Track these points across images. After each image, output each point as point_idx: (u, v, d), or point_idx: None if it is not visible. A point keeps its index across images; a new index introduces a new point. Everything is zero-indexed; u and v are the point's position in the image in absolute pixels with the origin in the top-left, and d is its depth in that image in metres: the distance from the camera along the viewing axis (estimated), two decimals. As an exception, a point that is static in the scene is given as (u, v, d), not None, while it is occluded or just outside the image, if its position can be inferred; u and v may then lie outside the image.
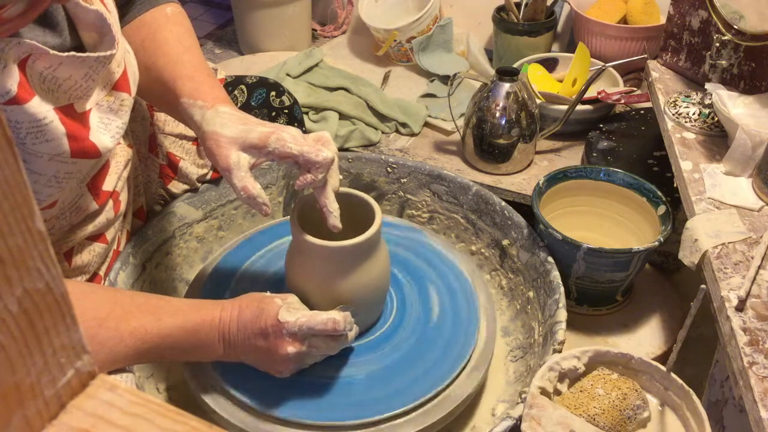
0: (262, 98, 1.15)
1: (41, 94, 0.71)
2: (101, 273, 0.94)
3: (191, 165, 1.09)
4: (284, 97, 1.18)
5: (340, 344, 0.84)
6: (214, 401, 0.87)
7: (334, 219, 0.84)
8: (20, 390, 0.32)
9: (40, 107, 0.70)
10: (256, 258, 1.03)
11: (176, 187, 1.10)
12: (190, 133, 1.08)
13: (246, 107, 1.14)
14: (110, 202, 0.90)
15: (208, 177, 1.11)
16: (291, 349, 0.80)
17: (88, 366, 0.35)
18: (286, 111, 1.17)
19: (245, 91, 1.15)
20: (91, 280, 0.92)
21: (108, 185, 0.89)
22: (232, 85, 1.16)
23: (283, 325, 0.79)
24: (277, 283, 0.99)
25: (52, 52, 0.69)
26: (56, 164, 0.74)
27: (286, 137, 0.79)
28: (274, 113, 1.16)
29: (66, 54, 0.71)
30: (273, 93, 1.17)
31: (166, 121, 1.09)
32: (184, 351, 0.82)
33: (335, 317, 0.80)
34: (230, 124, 0.81)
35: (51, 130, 0.71)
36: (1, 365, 0.31)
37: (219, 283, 0.99)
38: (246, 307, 0.81)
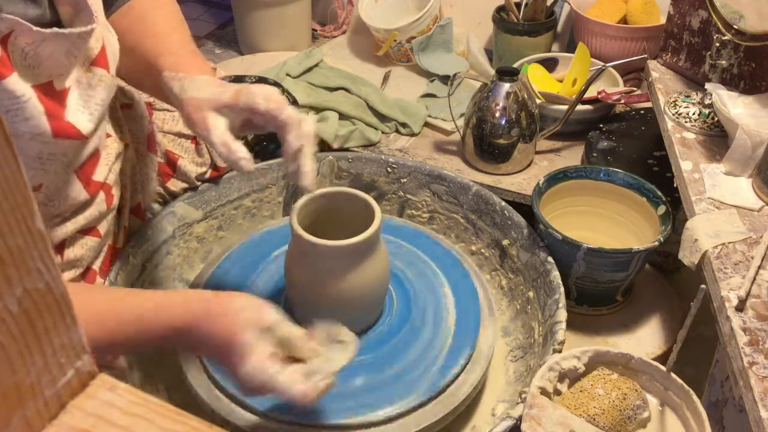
0: None
1: (21, 70, 0.70)
2: (95, 267, 0.94)
3: (190, 163, 1.09)
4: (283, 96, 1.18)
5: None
6: (214, 401, 0.87)
7: (306, 179, 0.79)
8: (20, 390, 0.32)
9: (18, 84, 0.69)
10: (257, 258, 1.04)
11: (175, 185, 1.10)
12: (189, 131, 1.08)
13: None
14: (102, 195, 0.90)
15: (207, 175, 1.11)
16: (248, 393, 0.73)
17: (88, 366, 0.35)
18: None
19: None
20: (84, 274, 0.92)
21: (99, 176, 0.88)
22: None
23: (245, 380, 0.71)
24: (278, 283, 0.99)
25: (35, 28, 0.69)
26: (38, 144, 0.74)
27: (255, 91, 0.78)
28: None
29: (49, 30, 0.70)
30: None
31: (164, 120, 1.09)
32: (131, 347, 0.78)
33: (303, 393, 0.69)
34: (206, 88, 0.80)
35: (29, 108, 0.71)
36: (1, 365, 0.31)
37: (219, 284, 0.99)
38: (213, 329, 0.72)
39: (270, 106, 0.78)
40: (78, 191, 0.85)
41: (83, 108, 0.79)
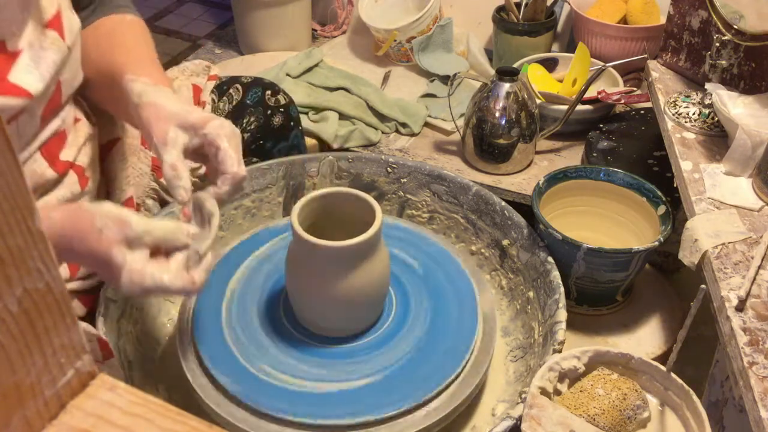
0: (257, 97, 1.16)
1: None
2: None
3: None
4: (280, 96, 1.18)
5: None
6: (214, 401, 0.87)
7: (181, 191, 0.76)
8: (20, 390, 0.32)
9: None
10: (257, 258, 1.03)
11: None
12: None
13: (241, 105, 1.14)
14: (73, 176, 0.89)
15: (201, 171, 1.11)
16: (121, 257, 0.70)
17: (88, 366, 0.35)
18: (282, 110, 1.17)
19: (240, 90, 1.15)
20: None
21: (66, 156, 0.88)
22: (227, 84, 1.16)
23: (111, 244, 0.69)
24: (278, 283, 0.99)
25: None
26: None
27: (227, 130, 0.78)
28: (269, 111, 1.16)
29: None
30: (269, 92, 1.17)
31: None
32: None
33: (175, 231, 0.71)
34: (173, 100, 0.80)
35: None
36: (1, 365, 0.31)
37: (219, 284, 0.99)
38: (73, 220, 0.71)
39: (229, 152, 0.78)
40: (43, 168, 0.85)
41: (33, 69, 0.78)
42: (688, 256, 0.91)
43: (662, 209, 1.07)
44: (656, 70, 1.26)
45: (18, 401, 0.32)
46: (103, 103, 1.00)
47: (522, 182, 1.41)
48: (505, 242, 1.08)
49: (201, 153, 0.81)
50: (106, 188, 1.02)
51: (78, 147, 0.90)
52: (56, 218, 0.71)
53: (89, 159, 0.93)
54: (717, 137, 1.07)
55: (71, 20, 0.85)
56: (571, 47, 1.68)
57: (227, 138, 0.78)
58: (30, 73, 0.77)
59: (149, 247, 0.71)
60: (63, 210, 0.73)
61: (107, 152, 1.02)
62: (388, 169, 1.18)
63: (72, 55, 0.84)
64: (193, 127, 0.78)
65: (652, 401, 0.80)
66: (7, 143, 0.29)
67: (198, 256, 0.72)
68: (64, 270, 0.91)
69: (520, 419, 0.76)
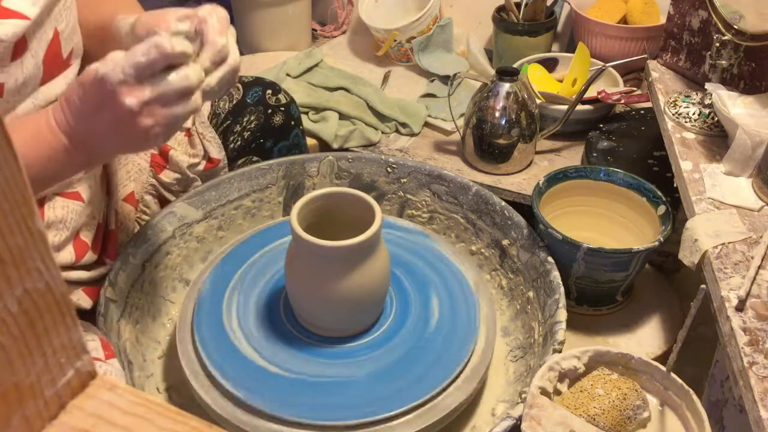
0: (257, 95, 1.16)
1: None
2: (85, 239, 0.93)
3: (182, 154, 1.09)
4: (280, 95, 1.18)
5: (188, 82, 0.70)
6: (214, 401, 0.87)
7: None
8: (20, 390, 0.32)
9: None
10: (257, 258, 1.04)
11: (167, 176, 1.10)
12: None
13: (242, 104, 1.14)
14: None
15: (200, 167, 1.11)
16: (131, 99, 0.68)
17: (88, 366, 0.35)
18: (282, 109, 1.17)
19: (241, 89, 1.15)
20: (72, 240, 0.91)
21: None
22: None
23: (104, 78, 0.68)
24: (278, 283, 0.99)
25: None
26: None
27: (218, 10, 0.75)
28: (270, 110, 1.16)
29: None
30: (269, 91, 1.17)
31: None
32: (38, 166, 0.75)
33: (156, 40, 0.67)
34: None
35: None
36: (1, 365, 0.31)
37: (219, 284, 0.99)
38: (69, 95, 0.72)
39: (212, 26, 0.74)
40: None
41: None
42: (688, 256, 0.91)
43: (662, 209, 1.07)
44: (656, 70, 1.26)
45: (18, 401, 0.32)
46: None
47: (522, 182, 1.41)
48: (505, 242, 1.08)
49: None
50: (108, 183, 1.02)
51: None
52: (47, 110, 0.71)
53: None
54: (717, 137, 1.07)
55: None
56: (571, 47, 1.68)
57: (216, 16, 0.74)
58: (22, 0, 0.76)
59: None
60: (48, 109, 0.73)
61: None
62: (388, 169, 1.18)
63: (65, 2, 0.83)
64: (188, 16, 0.75)
65: (652, 401, 0.80)
66: (8, 143, 0.29)
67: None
68: (69, 254, 0.91)
69: (520, 419, 0.76)
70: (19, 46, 0.77)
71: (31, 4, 0.78)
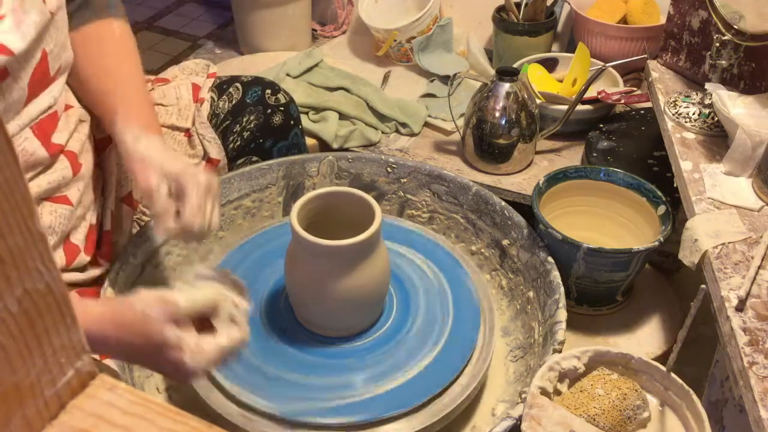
0: (257, 95, 1.15)
1: None
2: (75, 241, 0.93)
3: (182, 155, 1.09)
4: (280, 95, 1.18)
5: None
6: (214, 401, 0.87)
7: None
8: (20, 390, 0.32)
9: None
10: (257, 258, 1.04)
11: None
12: (182, 124, 1.08)
13: (241, 104, 1.14)
14: (64, 160, 0.90)
15: (200, 168, 1.11)
16: (200, 375, 0.75)
17: (88, 366, 0.35)
18: (282, 108, 1.17)
19: (240, 89, 1.15)
20: (62, 244, 0.92)
21: (58, 139, 0.89)
22: (227, 83, 1.16)
23: (192, 371, 0.73)
24: (278, 282, 0.99)
25: None
26: None
27: (200, 179, 0.83)
28: (269, 110, 1.16)
29: None
30: (268, 90, 1.17)
31: (158, 113, 1.09)
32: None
33: (244, 339, 0.76)
34: (159, 150, 0.86)
35: None
36: (1, 365, 0.31)
37: (219, 283, 0.99)
38: (137, 342, 0.73)
39: (194, 206, 0.83)
40: (35, 147, 0.85)
41: (15, 30, 0.78)
42: (688, 256, 0.91)
43: (662, 209, 1.07)
44: (656, 70, 1.26)
45: (18, 401, 0.32)
46: (89, 108, 1.00)
47: (522, 182, 1.41)
48: (505, 242, 1.08)
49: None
50: (105, 184, 1.02)
51: (69, 132, 0.91)
52: (96, 313, 0.73)
53: (81, 145, 0.93)
54: (717, 137, 1.07)
55: None
56: (571, 47, 1.68)
57: (197, 187, 0.83)
58: (12, 34, 0.78)
59: (193, 318, 0.74)
60: (103, 305, 0.77)
61: (104, 148, 1.02)
62: (388, 169, 1.18)
63: (55, 23, 0.84)
64: (172, 175, 0.84)
65: (652, 401, 0.80)
66: (8, 143, 0.29)
67: (241, 316, 0.76)
68: (59, 258, 0.91)
69: (520, 419, 0.76)
70: (1, 75, 0.78)
71: (20, 38, 0.78)
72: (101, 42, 0.95)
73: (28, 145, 0.85)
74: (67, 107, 0.93)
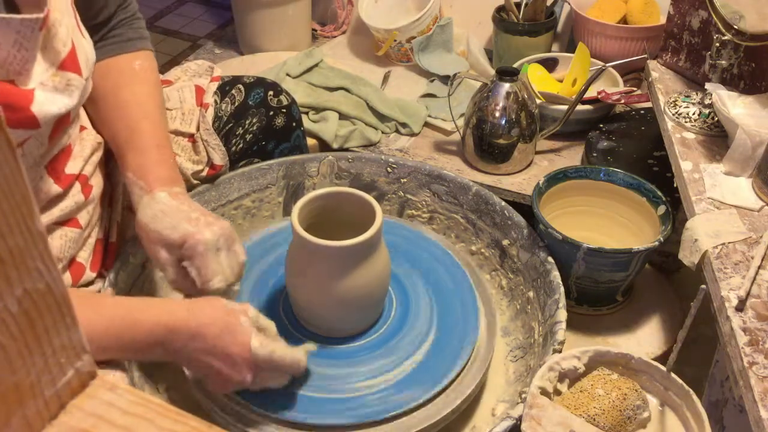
0: (259, 97, 1.15)
1: None
2: (81, 260, 0.93)
3: (186, 161, 1.08)
4: (282, 97, 1.18)
5: (286, 380, 0.84)
6: (214, 401, 0.87)
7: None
8: (20, 390, 0.32)
9: None
10: (257, 258, 1.03)
11: None
12: (186, 129, 1.08)
13: (243, 106, 1.13)
14: (77, 186, 0.89)
15: (204, 173, 1.11)
16: (249, 377, 0.80)
17: (88, 366, 0.35)
18: (284, 110, 1.17)
19: (243, 90, 1.15)
20: (69, 266, 0.91)
21: (72, 168, 0.88)
22: (229, 84, 1.15)
23: (253, 359, 0.79)
24: (278, 283, 0.99)
25: None
26: None
27: (199, 248, 0.83)
28: (271, 112, 1.15)
29: None
30: (271, 92, 1.17)
31: None
32: (120, 347, 0.81)
33: (301, 361, 0.82)
34: (160, 217, 0.85)
35: None
36: (1, 365, 0.31)
37: (219, 283, 0.99)
38: (207, 319, 0.80)
39: (201, 268, 0.84)
40: (49, 185, 0.85)
41: (51, 105, 0.78)
42: (688, 256, 0.91)
43: (662, 209, 1.07)
44: (656, 70, 1.26)
45: (18, 401, 0.32)
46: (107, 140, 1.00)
47: (522, 182, 1.41)
48: (505, 242, 1.08)
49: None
50: (111, 193, 1.01)
51: (84, 159, 0.90)
52: (160, 306, 0.81)
53: (93, 167, 0.93)
54: (717, 137, 1.07)
55: (86, 52, 0.84)
56: (571, 47, 1.68)
57: (204, 248, 0.84)
58: (48, 107, 0.77)
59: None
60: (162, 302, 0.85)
61: (111, 157, 1.02)
62: (388, 169, 1.18)
63: (87, 83, 0.85)
64: (174, 246, 0.85)
65: (652, 401, 0.80)
66: (8, 143, 0.29)
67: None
68: (66, 279, 0.91)
69: (520, 419, 0.76)
70: (24, 141, 0.78)
71: (54, 112, 0.78)
72: (121, 83, 0.95)
73: (42, 185, 0.84)
74: (82, 128, 0.93)
